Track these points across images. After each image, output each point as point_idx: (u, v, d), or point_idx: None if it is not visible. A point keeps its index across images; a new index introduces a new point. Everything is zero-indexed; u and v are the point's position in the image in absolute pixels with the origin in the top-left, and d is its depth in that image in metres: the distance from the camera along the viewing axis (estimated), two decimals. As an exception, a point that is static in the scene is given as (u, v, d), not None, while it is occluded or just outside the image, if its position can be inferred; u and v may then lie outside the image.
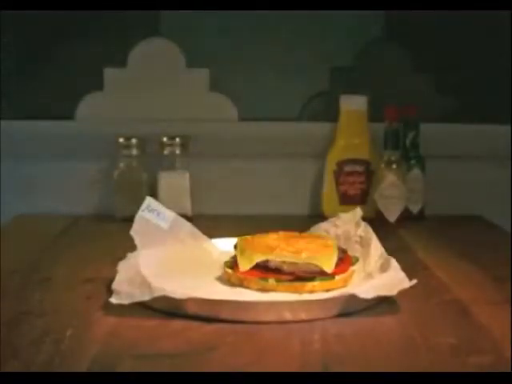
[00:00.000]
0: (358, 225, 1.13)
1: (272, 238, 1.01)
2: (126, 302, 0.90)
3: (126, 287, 0.93)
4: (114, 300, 0.90)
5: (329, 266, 0.97)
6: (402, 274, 0.97)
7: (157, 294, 0.89)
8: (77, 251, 1.27)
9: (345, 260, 1.01)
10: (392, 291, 0.92)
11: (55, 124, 1.59)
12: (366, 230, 1.12)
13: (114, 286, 0.94)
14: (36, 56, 1.60)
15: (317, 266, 0.96)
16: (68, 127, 1.59)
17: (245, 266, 0.97)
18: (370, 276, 1.01)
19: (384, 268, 1.00)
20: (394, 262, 1.00)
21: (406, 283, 0.94)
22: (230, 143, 1.59)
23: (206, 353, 0.80)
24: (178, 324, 0.88)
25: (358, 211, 1.14)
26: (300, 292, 0.95)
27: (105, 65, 1.60)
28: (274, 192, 1.60)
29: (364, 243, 1.09)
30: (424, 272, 1.13)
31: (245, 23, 1.61)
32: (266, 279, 0.96)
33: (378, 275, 1.00)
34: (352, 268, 1.02)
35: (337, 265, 0.98)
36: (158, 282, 0.92)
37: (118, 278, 0.96)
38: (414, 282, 0.94)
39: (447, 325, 0.90)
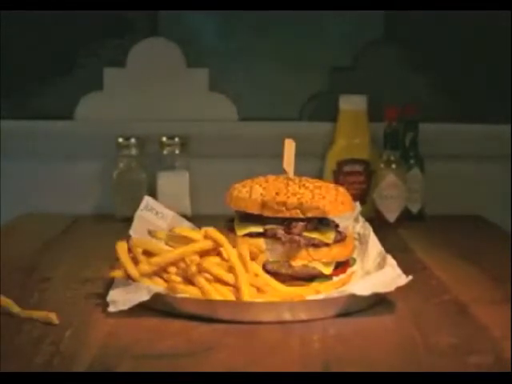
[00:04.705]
0: (356, 220, 1.13)
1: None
2: (124, 307, 0.89)
3: (122, 296, 0.91)
4: (112, 308, 0.89)
5: (327, 269, 0.97)
6: (399, 271, 0.96)
7: (155, 291, 0.89)
8: (77, 251, 1.27)
9: (343, 262, 1.01)
10: (389, 288, 0.92)
11: (55, 124, 1.59)
12: (364, 226, 1.12)
13: (110, 298, 0.91)
14: (36, 56, 1.59)
15: (315, 268, 0.96)
16: (68, 127, 1.60)
17: None
18: (367, 275, 1.01)
19: (382, 266, 1.00)
20: (390, 259, 1.00)
21: (403, 279, 0.94)
22: (229, 143, 1.59)
23: (205, 353, 0.80)
24: (177, 324, 0.88)
25: (357, 206, 1.14)
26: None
27: (105, 65, 1.60)
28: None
29: (362, 240, 1.10)
30: (423, 272, 1.13)
31: (244, 23, 1.61)
32: (265, 280, 0.96)
33: (374, 272, 1.00)
34: (351, 269, 1.02)
35: (335, 267, 0.98)
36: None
37: (112, 290, 0.93)
38: (410, 278, 0.93)
39: (447, 325, 0.90)
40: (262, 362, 0.78)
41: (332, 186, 1.02)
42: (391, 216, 1.49)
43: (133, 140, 1.52)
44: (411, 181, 1.53)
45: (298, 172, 1.03)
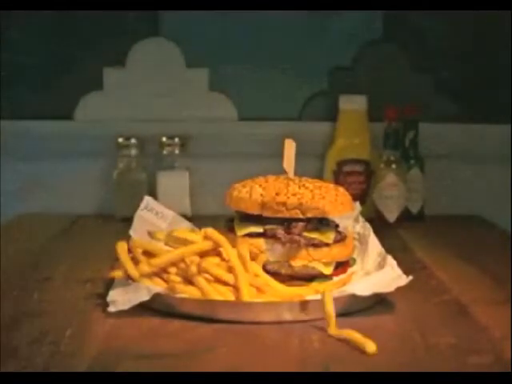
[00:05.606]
0: (356, 220, 1.13)
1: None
2: (124, 307, 0.89)
3: (122, 296, 0.91)
4: (112, 308, 0.89)
5: (327, 269, 0.97)
6: (399, 271, 0.96)
7: (155, 291, 0.89)
8: (77, 251, 1.27)
9: (343, 262, 1.01)
10: (389, 288, 0.92)
11: (55, 124, 1.59)
12: (364, 226, 1.12)
13: (110, 298, 0.91)
14: (36, 56, 1.60)
15: (315, 268, 0.96)
16: (67, 127, 1.60)
17: None
18: (368, 275, 1.01)
19: (382, 266, 1.00)
20: (390, 259, 1.00)
21: (403, 280, 0.94)
22: (229, 143, 1.59)
23: (205, 353, 0.80)
24: (177, 324, 0.88)
25: (357, 206, 1.14)
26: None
27: (104, 65, 1.60)
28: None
29: (362, 240, 1.09)
30: (423, 272, 1.13)
31: (245, 23, 1.61)
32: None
33: (374, 272, 1.00)
34: (351, 269, 1.01)
35: (335, 267, 0.98)
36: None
37: (112, 290, 0.93)
38: (411, 278, 0.94)
39: (447, 325, 0.90)
40: (262, 362, 0.78)
41: (332, 186, 1.02)
42: (391, 216, 1.49)
43: (133, 140, 1.52)
44: (411, 181, 1.53)
45: (298, 172, 1.03)
